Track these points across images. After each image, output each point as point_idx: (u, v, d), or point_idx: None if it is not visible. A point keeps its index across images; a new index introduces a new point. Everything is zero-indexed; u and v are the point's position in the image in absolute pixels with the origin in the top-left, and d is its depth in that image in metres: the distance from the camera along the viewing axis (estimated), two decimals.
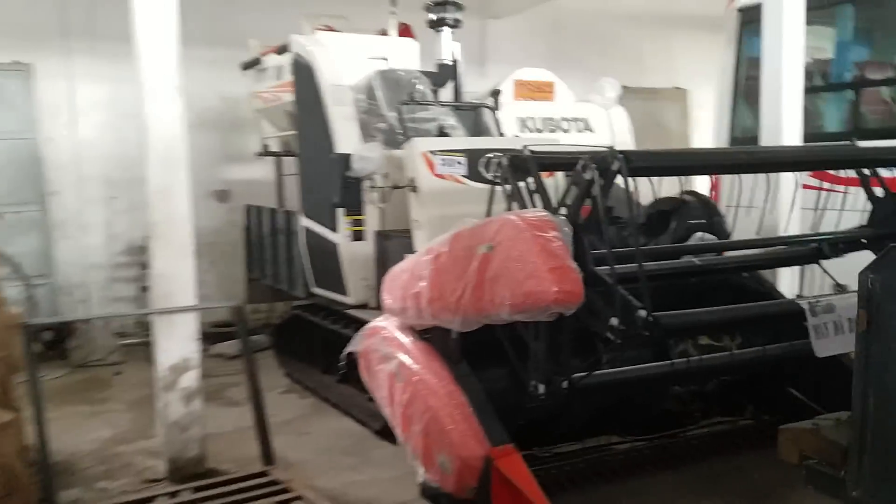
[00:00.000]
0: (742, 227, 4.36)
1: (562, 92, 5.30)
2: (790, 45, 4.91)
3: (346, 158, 3.87)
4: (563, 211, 2.71)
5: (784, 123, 4.91)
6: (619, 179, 2.57)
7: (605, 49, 8.95)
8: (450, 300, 2.91)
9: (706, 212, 4.25)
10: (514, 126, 4.74)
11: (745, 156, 2.65)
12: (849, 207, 3.83)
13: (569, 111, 4.98)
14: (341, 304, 4.60)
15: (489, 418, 3.01)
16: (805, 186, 4.87)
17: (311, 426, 4.71)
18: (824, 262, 3.69)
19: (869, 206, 3.64)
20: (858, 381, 1.65)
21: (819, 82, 6.24)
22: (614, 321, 2.50)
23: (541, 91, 5.13)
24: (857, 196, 3.72)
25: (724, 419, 4.06)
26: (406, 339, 3.37)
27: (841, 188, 3.70)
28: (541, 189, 2.89)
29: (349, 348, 3.66)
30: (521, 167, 2.96)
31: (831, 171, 5.30)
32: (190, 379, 3.95)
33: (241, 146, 7.56)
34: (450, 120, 4.49)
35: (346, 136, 4.28)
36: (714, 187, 6.51)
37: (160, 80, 3.89)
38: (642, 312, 2.46)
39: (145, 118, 3.92)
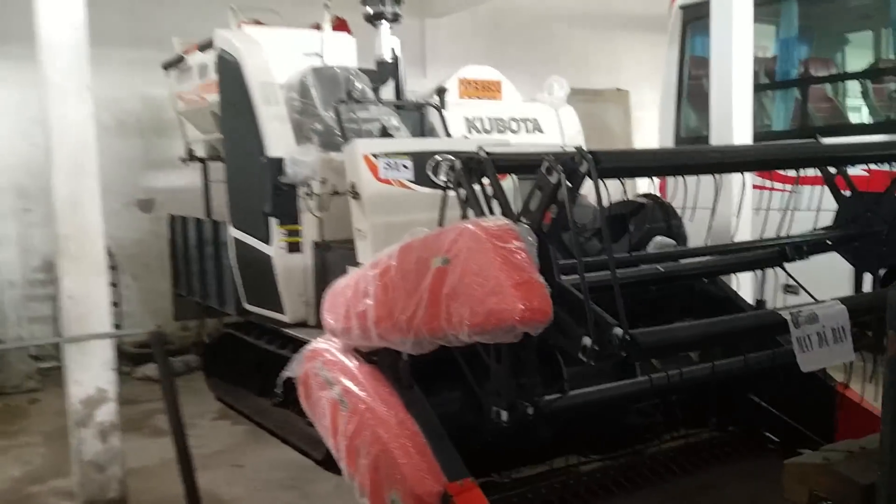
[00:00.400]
0: (694, 230, 4.20)
1: (509, 91, 5.04)
2: (740, 42, 4.80)
3: (277, 163, 3.51)
4: (526, 218, 2.42)
5: (735, 122, 4.79)
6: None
7: (546, 49, 8.79)
8: (400, 320, 2.60)
9: (664, 215, 4.06)
10: (461, 126, 4.45)
11: (719, 155, 2.43)
12: (796, 207, 3.69)
13: (517, 111, 4.73)
14: (277, 322, 4.22)
15: (445, 450, 2.72)
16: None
17: (245, 457, 4.31)
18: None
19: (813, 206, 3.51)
20: (887, 414, 1.41)
21: (763, 80, 6.18)
22: (587, 341, 2.22)
23: (487, 90, 4.86)
24: (810, 195, 3.58)
25: (687, 431, 3.86)
26: (351, 363, 3.04)
27: (791, 187, 3.56)
28: (500, 194, 2.60)
29: (287, 373, 3.31)
30: (477, 170, 2.67)
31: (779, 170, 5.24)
32: (107, 413, 3.52)
33: (166, 152, 7.09)
34: (393, 120, 4.17)
35: (278, 138, 3.92)
36: (661, 189, 6.39)
37: (67, 78, 3.45)
38: (618, 330, 2.19)
39: (50, 121, 3.48)
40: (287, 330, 4.11)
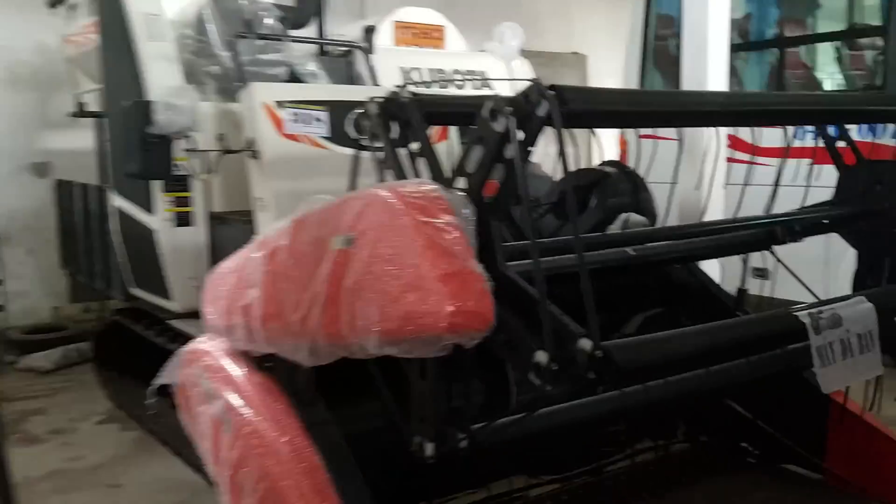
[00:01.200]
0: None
1: (453, 39, 4.33)
2: None
3: (144, 108, 2.75)
4: (462, 183, 1.75)
5: (709, 84, 4.20)
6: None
7: (497, 4, 8.06)
8: (292, 320, 1.92)
9: (632, 187, 3.46)
10: (396, 77, 3.74)
11: (723, 100, 1.79)
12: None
13: (462, 62, 4.03)
14: (165, 311, 3.48)
15: (353, 486, 2.08)
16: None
17: (127, 473, 3.58)
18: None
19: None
20: None
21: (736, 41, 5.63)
22: (542, 357, 1.58)
23: (428, 36, 4.15)
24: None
25: (653, 443, 3.31)
26: (237, 370, 2.35)
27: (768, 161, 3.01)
28: (427, 150, 1.92)
29: (160, 380, 2.60)
30: (399, 118, 1.99)
31: (749, 142, 4.71)
32: None
33: (64, 108, 6.17)
34: (309, 65, 3.43)
35: (162, 82, 3.14)
36: (623, 156, 5.83)
37: None
38: (585, 343, 1.55)
39: None
40: (173, 322, 3.37)
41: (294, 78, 3.24)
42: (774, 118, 2.05)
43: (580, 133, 2.95)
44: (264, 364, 2.30)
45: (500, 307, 1.63)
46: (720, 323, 1.79)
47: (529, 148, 1.66)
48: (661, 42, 5.90)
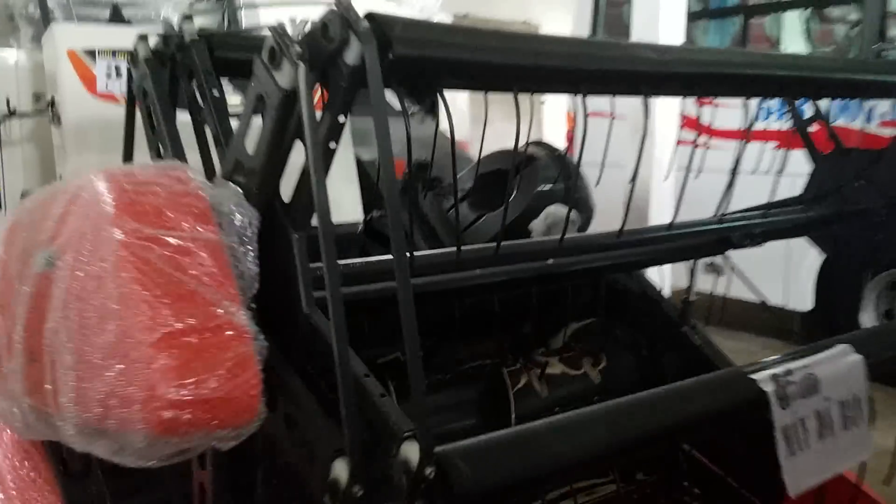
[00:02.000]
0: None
1: None
2: None
3: None
4: (252, 163, 1.10)
5: None
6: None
7: None
8: (3, 371, 1.26)
9: (562, 173, 2.87)
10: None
11: (658, 57, 1.16)
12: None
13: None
14: None
15: None
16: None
17: None
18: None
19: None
20: None
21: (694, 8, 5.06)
22: (341, 471, 0.92)
23: None
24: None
25: (584, 484, 2.76)
26: None
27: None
28: (216, 115, 1.26)
29: None
30: (182, 66, 1.32)
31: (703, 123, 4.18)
32: None
33: None
34: (164, 9, 2.71)
35: None
36: (570, 137, 5.24)
37: None
38: (410, 450, 0.90)
39: None
40: None
41: (117, 13, 2.49)
42: (730, 85, 1.44)
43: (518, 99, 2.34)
44: None
45: (290, 382, 0.99)
46: (636, 400, 1.16)
47: (340, 117, 1.00)
48: (614, 9, 5.32)
